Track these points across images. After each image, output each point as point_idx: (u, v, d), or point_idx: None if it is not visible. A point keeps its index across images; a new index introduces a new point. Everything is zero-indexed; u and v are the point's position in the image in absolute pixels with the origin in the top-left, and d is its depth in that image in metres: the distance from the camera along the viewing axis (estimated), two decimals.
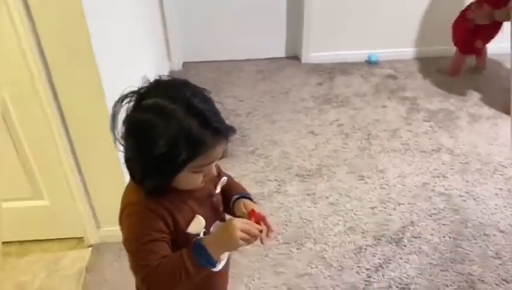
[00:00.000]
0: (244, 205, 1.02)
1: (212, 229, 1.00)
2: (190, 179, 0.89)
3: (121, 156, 1.83)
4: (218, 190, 1.03)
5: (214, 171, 0.94)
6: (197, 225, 0.96)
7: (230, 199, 1.06)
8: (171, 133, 0.82)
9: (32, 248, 1.96)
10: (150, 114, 0.83)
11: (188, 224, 0.94)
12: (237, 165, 2.35)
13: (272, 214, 2.06)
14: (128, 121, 0.87)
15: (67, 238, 1.98)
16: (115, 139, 0.90)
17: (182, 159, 0.83)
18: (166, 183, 0.89)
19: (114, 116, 0.89)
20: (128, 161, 0.91)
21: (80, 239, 1.97)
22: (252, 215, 0.97)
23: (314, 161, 2.40)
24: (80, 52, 1.52)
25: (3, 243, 1.97)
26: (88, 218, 1.90)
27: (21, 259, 1.92)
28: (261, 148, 2.51)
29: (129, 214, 0.92)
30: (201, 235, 0.96)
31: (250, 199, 1.07)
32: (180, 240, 0.94)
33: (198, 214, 0.96)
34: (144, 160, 0.86)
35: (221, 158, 0.95)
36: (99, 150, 1.74)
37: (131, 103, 0.88)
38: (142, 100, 0.86)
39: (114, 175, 1.78)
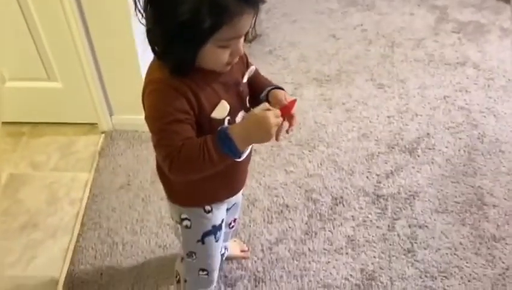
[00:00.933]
0: (284, 95, 0.98)
1: (238, 118, 0.96)
2: (215, 54, 0.84)
3: (138, 44, 1.76)
4: (245, 79, 0.99)
5: (241, 49, 0.87)
6: (222, 111, 0.92)
7: (259, 90, 1.02)
8: None
9: (46, 130, 1.98)
10: None
11: (212, 108, 0.91)
12: (253, 65, 2.28)
13: None
14: None
15: (80, 123, 1.98)
16: (136, 8, 0.84)
17: (205, 27, 0.77)
18: (191, 57, 0.83)
19: None
20: (149, 33, 0.85)
21: (93, 125, 1.97)
22: (290, 107, 0.92)
23: (333, 66, 2.32)
24: None
25: (16, 123, 1.98)
26: (101, 104, 1.88)
27: (35, 140, 1.94)
28: (279, 49, 2.42)
29: (151, 91, 0.88)
30: (226, 123, 0.93)
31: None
32: (205, 125, 0.91)
33: (224, 99, 0.92)
34: (165, 28, 0.80)
35: (250, 40, 0.89)
36: (115, 35, 1.67)
37: None
38: None
39: (129, 64, 1.74)
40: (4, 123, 1.96)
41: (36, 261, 1.56)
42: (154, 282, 1.50)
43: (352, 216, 1.67)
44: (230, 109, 0.93)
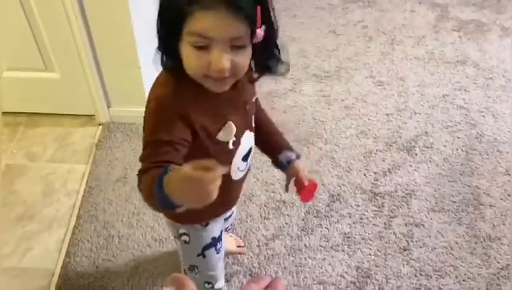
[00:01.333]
0: (304, 171, 1.10)
1: (243, 139, 0.95)
2: (192, 56, 0.79)
3: (137, 35, 1.74)
4: (253, 99, 0.99)
5: (220, 61, 0.77)
6: (228, 133, 0.91)
7: (271, 142, 1.12)
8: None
9: (43, 121, 1.96)
10: None
11: (218, 130, 0.90)
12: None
13: (285, 112, 2.03)
14: None
15: (77, 115, 1.97)
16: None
17: (177, 11, 0.77)
18: (173, 52, 0.82)
19: None
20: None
21: (91, 117, 1.96)
22: (311, 191, 1.11)
23: (333, 62, 2.31)
24: None
25: (13, 113, 1.97)
26: (99, 96, 1.87)
27: (31, 130, 1.93)
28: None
29: (152, 109, 0.86)
30: (231, 144, 0.92)
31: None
32: (209, 145, 0.90)
33: (231, 120, 0.91)
34: (157, 28, 0.83)
35: (283, 72, 0.89)
36: (114, 26, 1.66)
37: None
38: None
39: (128, 55, 1.72)
40: (1, 113, 1.95)
41: (32, 252, 1.55)
42: (149, 275, 1.50)
43: (349, 213, 1.67)
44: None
